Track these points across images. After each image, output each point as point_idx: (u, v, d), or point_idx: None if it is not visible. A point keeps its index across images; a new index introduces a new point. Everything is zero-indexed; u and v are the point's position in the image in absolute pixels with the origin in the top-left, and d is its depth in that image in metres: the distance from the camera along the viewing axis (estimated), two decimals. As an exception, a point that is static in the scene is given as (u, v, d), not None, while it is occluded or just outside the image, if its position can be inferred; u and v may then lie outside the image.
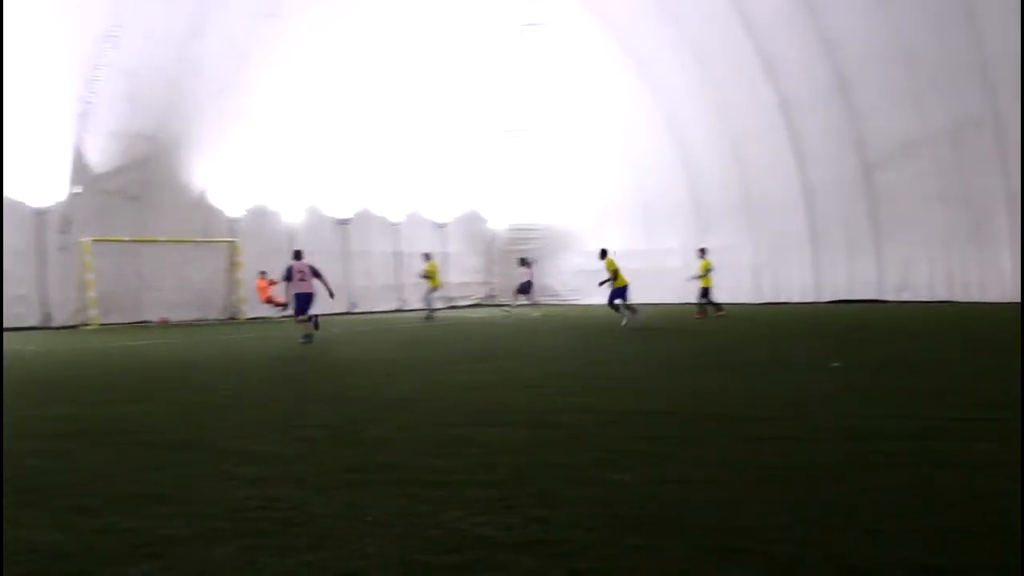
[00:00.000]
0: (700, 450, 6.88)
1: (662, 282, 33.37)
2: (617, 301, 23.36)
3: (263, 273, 29.94)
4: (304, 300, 20.39)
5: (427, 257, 31.65)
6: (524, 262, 33.77)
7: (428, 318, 29.20)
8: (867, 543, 4.43)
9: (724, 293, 34.12)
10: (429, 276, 30.65)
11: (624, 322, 22.74)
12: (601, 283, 23.87)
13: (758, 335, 19.90)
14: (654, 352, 16.32)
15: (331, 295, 21.17)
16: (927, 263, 30.37)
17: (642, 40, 33.59)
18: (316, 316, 20.90)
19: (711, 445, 7.09)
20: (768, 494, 5.44)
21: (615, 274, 23.45)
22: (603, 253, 24.18)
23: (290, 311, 21.46)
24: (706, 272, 26.66)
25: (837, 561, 4.21)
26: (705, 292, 26.57)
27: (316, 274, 20.46)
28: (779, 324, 23.27)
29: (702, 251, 27.34)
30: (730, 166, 34.06)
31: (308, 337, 20.06)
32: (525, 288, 33.25)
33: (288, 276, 20.57)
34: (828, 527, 4.72)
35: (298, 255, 21.01)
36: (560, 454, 6.84)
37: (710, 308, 26.22)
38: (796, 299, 33.26)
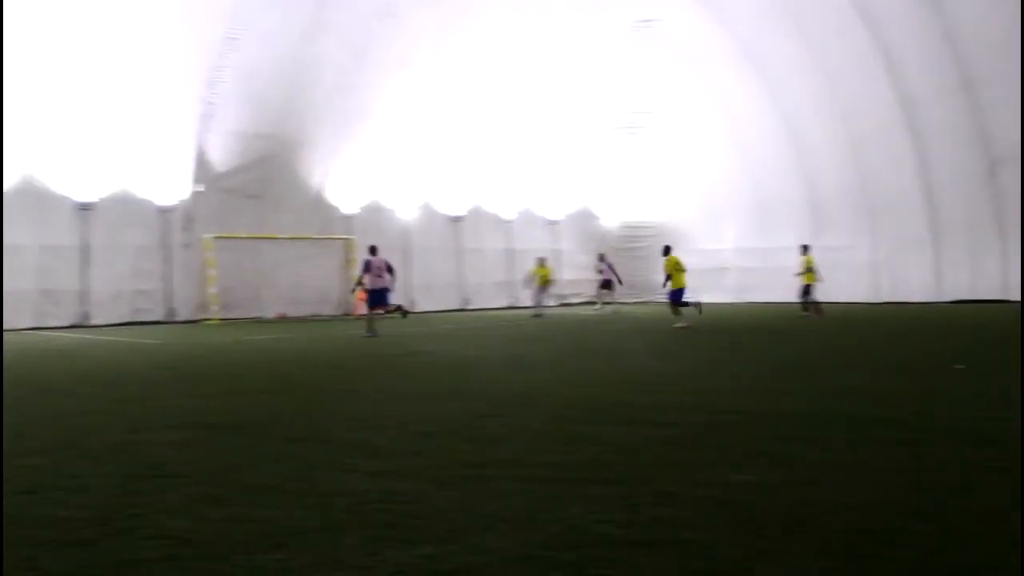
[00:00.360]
0: (826, 452, 6.74)
1: (778, 280, 32.72)
2: (685, 299, 22.91)
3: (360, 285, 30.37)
4: (379, 295, 21.22)
5: (541, 262, 31.68)
6: (601, 258, 33.75)
7: (537, 316, 29.23)
8: (1000, 554, 4.28)
9: (841, 292, 33.52)
10: (540, 278, 30.74)
11: (677, 324, 22.05)
12: (664, 284, 23.35)
13: (878, 335, 19.45)
14: (772, 352, 16.07)
15: (392, 291, 21.84)
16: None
17: (759, 36, 33.04)
18: (402, 305, 21.77)
19: (836, 446, 6.94)
20: (897, 498, 5.30)
21: (670, 275, 22.97)
22: (666, 250, 23.84)
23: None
24: (808, 269, 26.07)
25: (972, 574, 4.07)
26: (807, 290, 25.97)
27: (390, 270, 21.33)
28: (899, 324, 22.70)
29: (804, 247, 26.72)
30: (848, 164, 33.26)
31: (372, 332, 20.87)
32: (606, 284, 33.34)
33: (367, 269, 21.26)
34: (961, 535, 4.57)
35: (374, 250, 21.69)
36: (680, 453, 6.77)
37: (812, 306, 25.57)
38: (916, 299, 32.34)
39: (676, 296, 22.92)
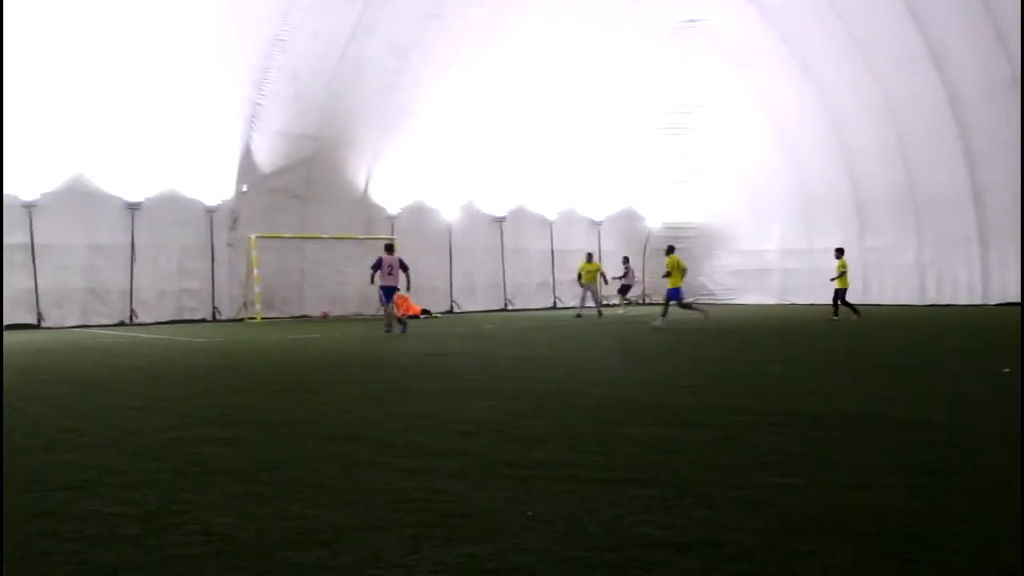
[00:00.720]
0: (864, 454, 6.70)
1: (822, 281, 32.47)
2: (685, 300, 23.63)
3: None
4: (389, 292, 22.07)
5: (589, 257, 31.73)
6: (626, 260, 33.89)
7: (578, 316, 29.31)
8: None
9: (886, 294, 33.33)
10: (587, 274, 30.75)
11: (656, 323, 22.76)
12: (664, 275, 23.89)
13: (921, 337, 19.26)
14: (809, 353, 15.97)
15: (408, 288, 22.73)
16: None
17: (804, 34, 32.79)
18: (406, 323, 22.33)
19: (875, 449, 6.90)
20: (937, 501, 5.26)
21: (669, 273, 23.45)
22: (669, 249, 24.38)
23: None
24: (842, 273, 25.91)
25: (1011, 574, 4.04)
26: (842, 293, 25.79)
27: (403, 268, 22.03)
28: (945, 326, 22.45)
29: (839, 251, 26.53)
30: (895, 163, 32.91)
31: (391, 328, 21.72)
32: (625, 289, 33.94)
33: (377, 266, 22.03)
34: (1003, 538, 4.53)
35: (390, 248, 22.50)
36: (719, 455, 6.76)
37: (844, 309, 25.37)
38: (962, 301, 31.99)
39: (673, 295, 23.30)
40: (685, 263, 26.79)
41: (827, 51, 32.59)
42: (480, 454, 6.87)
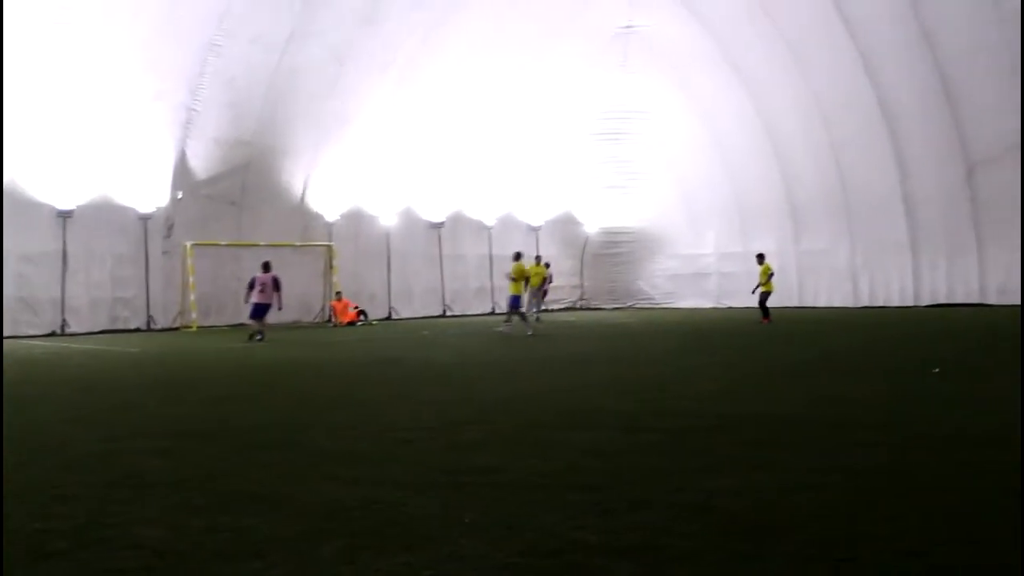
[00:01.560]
0: (801, 456, 6.77)
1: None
2: (520, 308, 23.16)
3: (338, 295, 30.52)
4: (259, 310, 22.50)
5: (537, 260, 31.56)
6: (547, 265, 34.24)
7: (537, 319, 29.27)
8: (980, 554, 4.30)
9: (820, 297, 33.87)
10: (534, 277, 30.31)
11: (501, 328, 22.68)
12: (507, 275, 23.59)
13: (857, 340, 19.54)
14: (745, 357, 16.12)
15: (279, 307, 23.02)
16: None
17: (740, 41, 33.16)
18: (263, 335, 22.30)
19: (813, 450, 6.97)
20: (873, 502, 5.31)
21: (514, 279, 23.12)
22: (516, 256, 23.92)
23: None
24: (768, 278, 26.12)
25: (944, 574, 4.09)
26: (765, 296, 26.03)
27: (276, 287, 22.45)
28: (877, 329, 22.80)
29: (760, 257, 26.77)
30: (829, 168, 33.38)
31: (252, 338, 21.93)
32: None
33: (252, 285, 22.63)
34: (939, 537, 4.59)
35: (266, 267, 22.92)
36: (659, 458, 6.78)
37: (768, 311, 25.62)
38: (895, 303, 32.55)
39: (514, 303, 23.15)
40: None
41: (761, 57, 32.99)
42: (417, 461, 6.83)
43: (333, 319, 30.30)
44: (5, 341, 23.31)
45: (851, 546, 4.45)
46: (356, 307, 30.83)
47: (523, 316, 23.12)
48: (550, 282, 35.02)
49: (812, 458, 6.67)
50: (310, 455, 7.21)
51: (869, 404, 9.40)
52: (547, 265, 32.09)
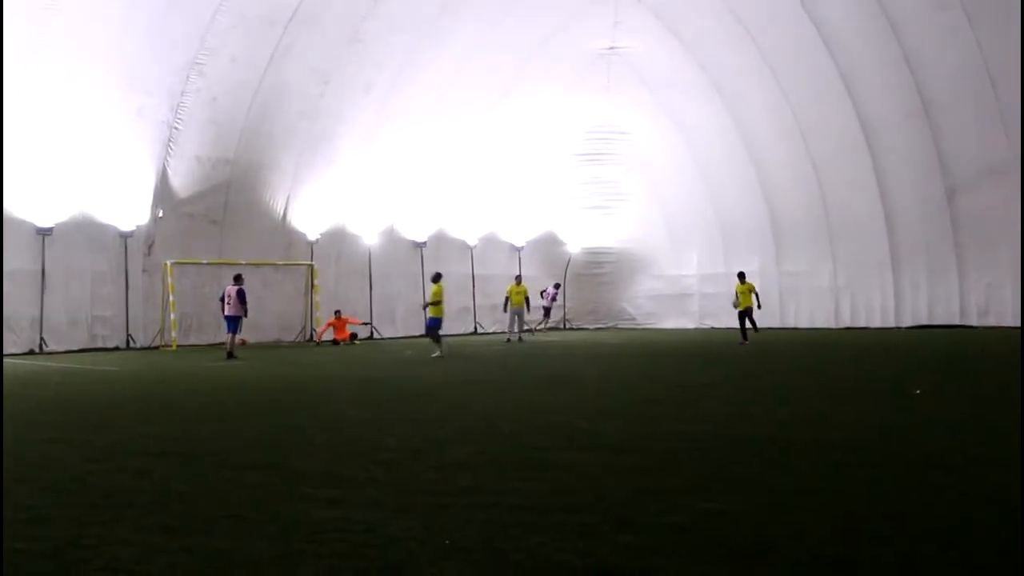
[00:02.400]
0: (787, 477, 6.75)
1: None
2: (439, 331, 22.72)
3: (337, 313, 30.45)
4: (230, 323, 23.51)
5: (518, 280, 31.39)
6: (557, 286, 35.26)
7: (508, 340, 29.29)
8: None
9: (803, 317, 33.95)
10: (515, 297, 30.17)
11: (436, 353, 21.84)
12: (424, 306, 23.59)
13: (837, 360, 19.57)
14: (730, 378, 16.11)
15: (244, 316, 23.72)
16: (1011, 288, 29.59)
17: (720, 62, 33.39)
18: (233, 353, 22.74)
19: (798, 472, 6.95)
20: (859, 523, 5.29)
21: (433, 302, 22.91)
22: (436, 277, 23.51)
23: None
24: (753, 292, 25.98)
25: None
26: (747, 314, 25.85)
27: (240, 299, 23.28)
28: (858, 349, 22.85)
29: (741, 275, 26.60)
30: (811, 188, 33.52)
31: (231, 356, 22.45)
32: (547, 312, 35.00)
33: (222, 298, 23.80)
34: (920, 559, 4.57)
35: (236, 279, 23.72)
36: (643, 480, 6.74)
37: (746, 332, 25.58)
38: (876, 324, 32.65)
39: (433, 325, 22.84)
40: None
41: (742, 77, 33.17)
42: (399, 483, 6.77)
43: (316, 337, 30.22)
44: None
45: (838, 569, 4.42)
46: (365, 322, 31.41)
47: (438, 339, 22.56)
48: (553, 300, 35.39)
49: (799, 480, 6.65)
50: (290, 476, 7.13)
51: (847, 426, 9.39)
52: (518, 280, 31.75)
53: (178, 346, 27.52)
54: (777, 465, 7.23)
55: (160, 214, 28.01)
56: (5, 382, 16.78)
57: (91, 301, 27.03)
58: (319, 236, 31.97)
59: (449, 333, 34.53)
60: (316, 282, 31.55)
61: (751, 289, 26.01)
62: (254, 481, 6.93)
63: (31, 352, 25.39)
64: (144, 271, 28.03)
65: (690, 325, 37.00)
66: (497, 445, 8.52)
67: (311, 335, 30.95)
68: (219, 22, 26.64)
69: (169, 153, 27.80)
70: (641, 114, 36.77)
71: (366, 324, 31.52)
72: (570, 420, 10.23)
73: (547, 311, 35.48)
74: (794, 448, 8.01)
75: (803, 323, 34.03)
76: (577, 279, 39.82)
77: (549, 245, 39.54)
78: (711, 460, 7.49)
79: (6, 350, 24.85)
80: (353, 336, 30.31)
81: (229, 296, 23.39)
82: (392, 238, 34.17)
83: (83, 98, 25.25)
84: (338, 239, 32.54)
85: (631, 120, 37.11)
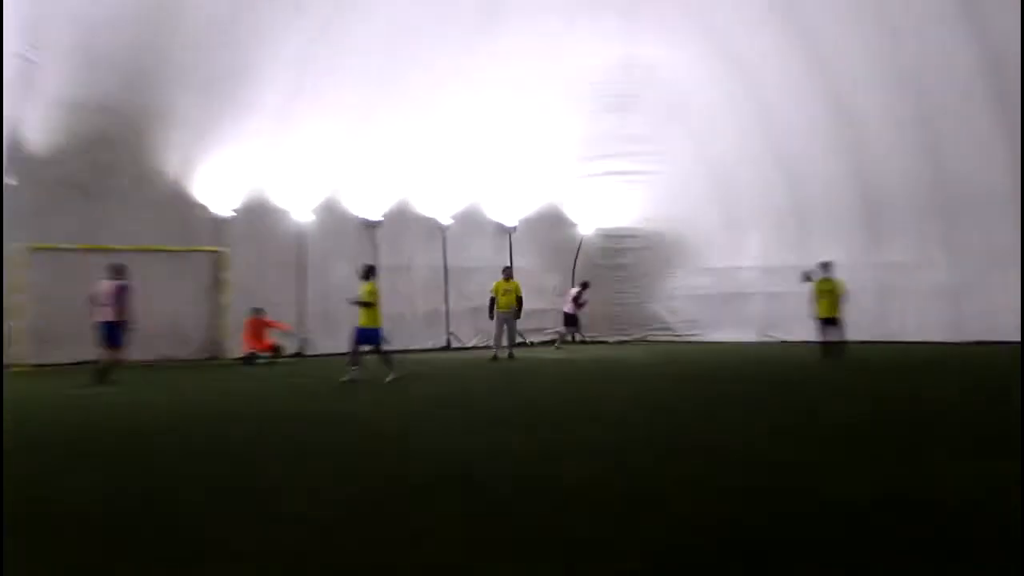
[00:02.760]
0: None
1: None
2: (368, 347, 22.63)
3: (257, 311, 30.36)
4: (107, 333, 22.26)
5: (507, 274, 31.68)
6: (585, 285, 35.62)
7: (496, 358, 29.31)
8: None
9: (908, 328, 33.10)
10: (502, 298, 30.19)
11: (389, 377, 21.87)
12: (353, 301, 23.03)
13: (969, 389, 19.55)
14: (810, 418, 16.13)
15: (125, 322, 22.50)
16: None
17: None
18: (103, 374, 22.13)
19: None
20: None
21: (366, 304, 22.72)
22: (367, 272, 23.43)
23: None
24: (837, 290, 26.16)
25: None
26: (832, 322, 26.07)
27: (119, 299, 22.25)
28: (986, 372, 22.79)
29: (825, 266, 26.80)
30: (920, 150, 32.73)
31: (104, 378, 21.81)
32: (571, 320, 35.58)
33: (92, 298, 22.48)
34: None
35: (116, 272, 22.68)
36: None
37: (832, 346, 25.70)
38: (1012, 337, 31.53)
39: (364, 337, 22.68)
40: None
41: (830, 11, 32.66)
42: (332, 558, 6.78)
43: (217, 355, 30.16)
44: None
45: None
46: (290, 330, 31.47)
47: (387, 356, 22.65)
48: (580, 306, 35.08)
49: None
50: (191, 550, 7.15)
51: (990, 482, 9.41)
52: (507, 274, 31.78)
53: (31, 366, 27.08)
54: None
55: (11, 181, 27.76)
56: None
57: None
58: (231, 212, 31.85)
59: (411, 348, 34.34)
60: (225, 275, 31.41)
61: (833, 289, 25.96)
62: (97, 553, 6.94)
63: None
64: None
65: (750, 337, 36.37)
66: (482, 509, 8.51)
67: (212, 352, 30.83)
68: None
69: (23, 98, 27.61)
70: (680, 44, 36.44)
71: (302, 337, 31.32)
72: (570, 469, 10.20)
73: (573, 320, 35.53)
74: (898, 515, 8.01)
75: (908, 336, 32.94)
76: (591, 272, 38.97)
77: (551, 225, 39.41)
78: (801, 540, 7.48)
79: None
80: (276, 348, 30.15)
81: (106, 295, 22.45)
82: (334, 215, 34.10)
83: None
84: (257, 216, 32.44)
85: (666, 53, 36.77)
